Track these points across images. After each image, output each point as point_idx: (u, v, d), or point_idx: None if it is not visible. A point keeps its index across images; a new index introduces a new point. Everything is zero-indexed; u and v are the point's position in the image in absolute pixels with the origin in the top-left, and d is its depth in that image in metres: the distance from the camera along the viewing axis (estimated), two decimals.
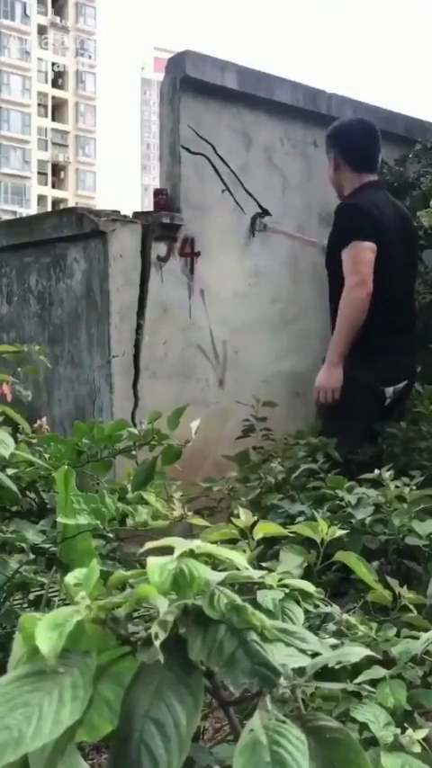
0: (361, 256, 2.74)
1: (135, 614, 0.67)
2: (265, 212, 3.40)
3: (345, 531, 1.43)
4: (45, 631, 0.59)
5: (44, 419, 2.02)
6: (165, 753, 0.57)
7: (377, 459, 2.48)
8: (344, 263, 2.77)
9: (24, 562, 1.38)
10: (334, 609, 1.16)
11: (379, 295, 2.73)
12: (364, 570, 1.28)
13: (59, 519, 1.12)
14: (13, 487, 1.37)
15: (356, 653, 0.76)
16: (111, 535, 1.45)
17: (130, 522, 1.43)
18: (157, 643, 0.58)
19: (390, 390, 2.79)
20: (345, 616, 1.18)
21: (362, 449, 2.62)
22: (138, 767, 0.57)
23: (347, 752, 0.62)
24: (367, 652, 0.77)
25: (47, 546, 1.42)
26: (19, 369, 2.15)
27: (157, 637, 0.59)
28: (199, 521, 1.47)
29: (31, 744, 0.55)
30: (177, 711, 0.59)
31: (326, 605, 1.15)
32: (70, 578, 0.69)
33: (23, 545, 1.41)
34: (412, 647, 1.07)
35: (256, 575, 0.78)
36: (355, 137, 2.95)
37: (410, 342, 2.96)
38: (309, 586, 0.98)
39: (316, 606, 1.11)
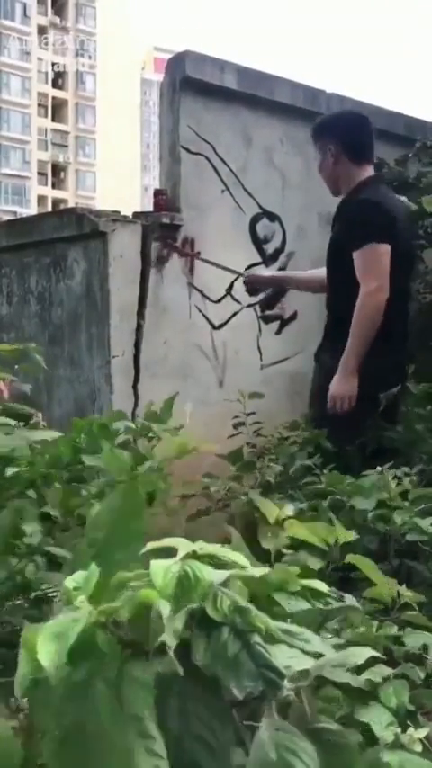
0: (378, 260, 2.56)
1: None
2: (265, 212, 3.39)
3: (354, 538, 1.42)
4: (46, 644, 0.58)
5: (40, 415, 2.00)
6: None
7: (376, 458, 2.43)
8: (359, 265, 2.58)
9: (23, 563, 1.38)
10: (349, 599, 1.14)
11: None
12: (370, 568, 1.27)
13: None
14: None
15: (361, 654, 0.75)
16: None
17: None
18: (170, 652, 0.57)
19: (382, 396, 2.63)
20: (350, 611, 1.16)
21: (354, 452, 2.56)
22: None
23: (347, 756, 0.62)
24: (372, 653, 0.76)
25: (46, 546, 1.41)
26: (17, 366, 2.14)
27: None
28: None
29: None
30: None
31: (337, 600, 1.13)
32: (69, 582, 0.68)
33: (23, 545, 1.41)
34: (422, 640, 1.07)
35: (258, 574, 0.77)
36: (354, 126, 2.79)
37: (403, 343, 2.83)
38: (321, 585, 0.96)
39: (327, 604, 1.09)
